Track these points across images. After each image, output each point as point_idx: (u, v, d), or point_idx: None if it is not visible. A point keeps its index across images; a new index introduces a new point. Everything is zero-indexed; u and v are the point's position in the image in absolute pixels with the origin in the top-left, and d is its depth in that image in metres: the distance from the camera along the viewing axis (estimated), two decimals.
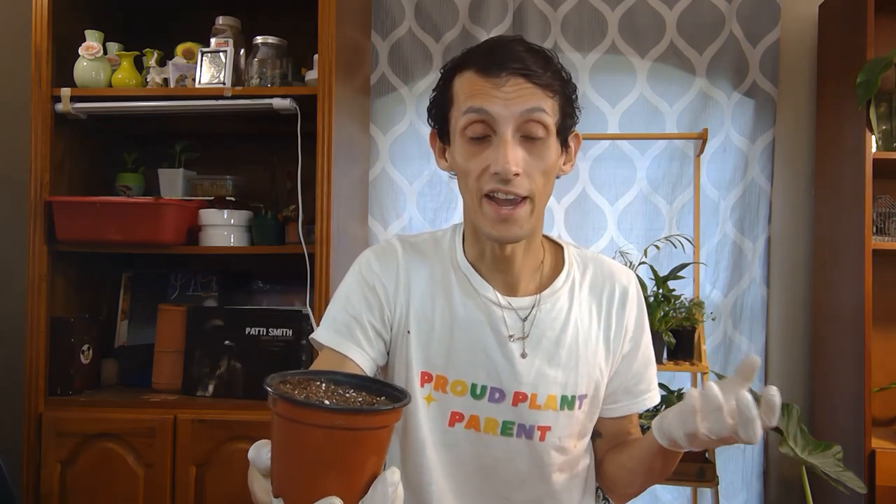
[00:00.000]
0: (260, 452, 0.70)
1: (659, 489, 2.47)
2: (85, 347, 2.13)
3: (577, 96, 1.08)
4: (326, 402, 0.67)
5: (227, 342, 2.08)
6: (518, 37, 1.06)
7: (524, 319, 1.09)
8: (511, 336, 1.08)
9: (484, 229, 1.03)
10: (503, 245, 1.06)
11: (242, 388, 2.05)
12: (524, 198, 1.00)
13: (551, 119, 1.01)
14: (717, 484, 2.10)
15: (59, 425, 2.01)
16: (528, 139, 1.00)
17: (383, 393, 0.73)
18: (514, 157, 0.98)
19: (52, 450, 2.00)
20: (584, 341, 1.11)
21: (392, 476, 0.65)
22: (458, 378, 1.08)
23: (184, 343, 2.12)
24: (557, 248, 1.17)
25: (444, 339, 1.09)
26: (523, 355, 1.08)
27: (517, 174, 0.98)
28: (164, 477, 1.98)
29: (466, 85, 1.02)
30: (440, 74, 1.09)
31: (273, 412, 0.66)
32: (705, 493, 2.40)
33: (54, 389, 2.06)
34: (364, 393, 0.72)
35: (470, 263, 1.12)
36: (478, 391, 1.08)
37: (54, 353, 2.07)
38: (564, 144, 1.07)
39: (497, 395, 1.08)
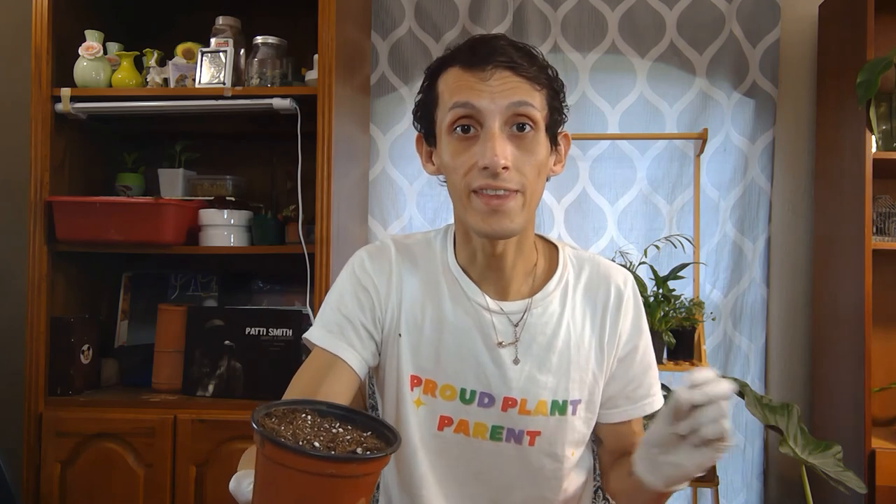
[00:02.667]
0: (240, 485, 0.68)
1: None
2: (85, 347, 2.13)
3: (564, 94, 1.06)
4: (316, 443, 0.65)
5: (227, 342, 2.08)
6: (502, 34, 1.05)
7: (516, 325, 1.07)
8: (501, 342, 1.06)
9: (474, 225, 1.00)
10: (494, 243, 1.03)
11: (242, 388, 2.05)
12: (515, 191, 0.98)
13: (539, 113, 0.99)
14: (717, 484, 2.10)
15: (59, 425, 2.01)
16: (516, 133, 0.99)
17: (369, 427, 0.71)
18: (503, 150, 0.96)
19: (52, 450, 2.00)
20: (577, 345, 1.08)
21: None
22: (447, 382, 1.07)
23: (184, 343, 2.12)
24: (552, 248, 1.15)
25: (433, 343, 1.08)
26: (515, 361, 1.06)
27: (506, 168, 0.96)
28: (164, 477, 1.98)
29: (451, 81, 1.01)
30: (424, 75, 1.07)
31: (259, 452, 0.64)
32: (705, 493, 2.40)
33: (54, 389, 2.06)
34: (350, 427, 0.70)
35: (461, 267, 1.10)
36: (467, 396, 1.07)
37: (54, 353, 2.07)
38: (554, 142, 1.05)
39: (486, 400, 1.06)
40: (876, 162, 2.10)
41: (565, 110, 1.06)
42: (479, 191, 0.98)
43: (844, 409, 2.20)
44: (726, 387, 0.82)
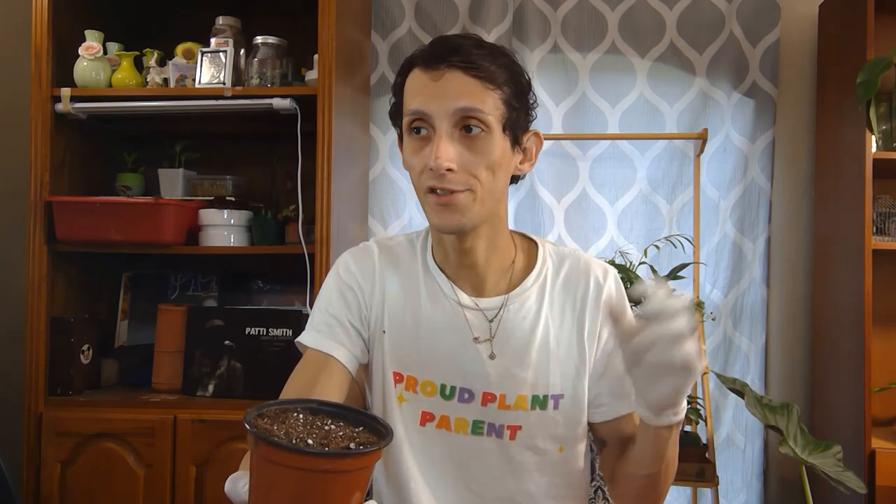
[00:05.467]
0: (236, 485, 0.68)
1: None
2: (85, 347, 2.13)
3: (533, 94, 1.07)
4: (310, 441, 0.66)
5: (227, 342, 2.08)
6: (472, 35, 1.06)
7: (491, 321, 1.09)
8: (477, 338, 1.09)
9: (432, 221, 1.03)
10: (461, 238, 1.06)
11: (242, 388, 2.05)
12: (463, 190, 1.00)
13: (490, 115, 1.00)
14: (717, 484, 2.10)
15: (59, 425, 2.01)
16: (465, 135, 1.00)
17: (361, 422, 0.71)
18: (447, 153, 0.98)
19: (52, 450, 2.00)
20: (556, 340, 1.09)
21: None
22: (427, 379, 1.09)
23: (184, 343, 2.12)
24: (532, 245, 1.16)
25: (413, 340, 1.10)
26: (491, 356, 1.08)
27: (450, 169, 0.98)
28: (164, 477, 1.98)
29: (413, 83, 1.03)
30: (395, 76, 1.10)
31: (254, 452, 0.65)
32: (705, 493, 2.40)
33: (54, 389, 2.06)
34: (342, 423, 0.71)
35: (438, 266, 1.13)
36: (447, 392, 1.09)
37: (54, 353, 2.07)
38: (517, 141, 1.05)
39: (466, 396, 1.08)
40: (876, 162, 2.10)
41: (531, 108, 1.07)
42: (431, 190, 1.01)
43: (844, 409, 2.20)
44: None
